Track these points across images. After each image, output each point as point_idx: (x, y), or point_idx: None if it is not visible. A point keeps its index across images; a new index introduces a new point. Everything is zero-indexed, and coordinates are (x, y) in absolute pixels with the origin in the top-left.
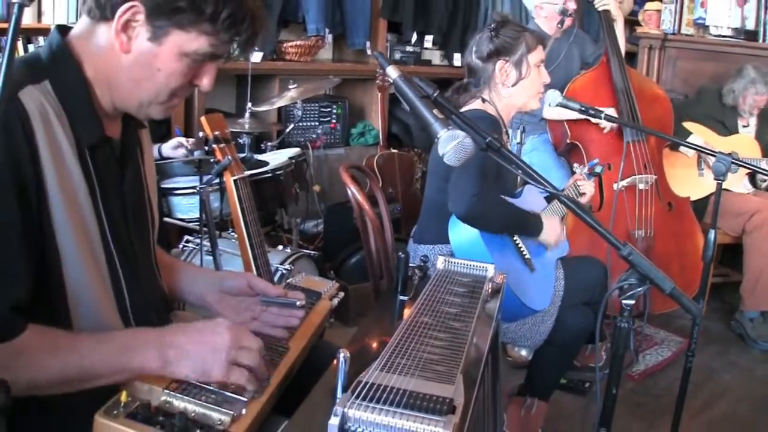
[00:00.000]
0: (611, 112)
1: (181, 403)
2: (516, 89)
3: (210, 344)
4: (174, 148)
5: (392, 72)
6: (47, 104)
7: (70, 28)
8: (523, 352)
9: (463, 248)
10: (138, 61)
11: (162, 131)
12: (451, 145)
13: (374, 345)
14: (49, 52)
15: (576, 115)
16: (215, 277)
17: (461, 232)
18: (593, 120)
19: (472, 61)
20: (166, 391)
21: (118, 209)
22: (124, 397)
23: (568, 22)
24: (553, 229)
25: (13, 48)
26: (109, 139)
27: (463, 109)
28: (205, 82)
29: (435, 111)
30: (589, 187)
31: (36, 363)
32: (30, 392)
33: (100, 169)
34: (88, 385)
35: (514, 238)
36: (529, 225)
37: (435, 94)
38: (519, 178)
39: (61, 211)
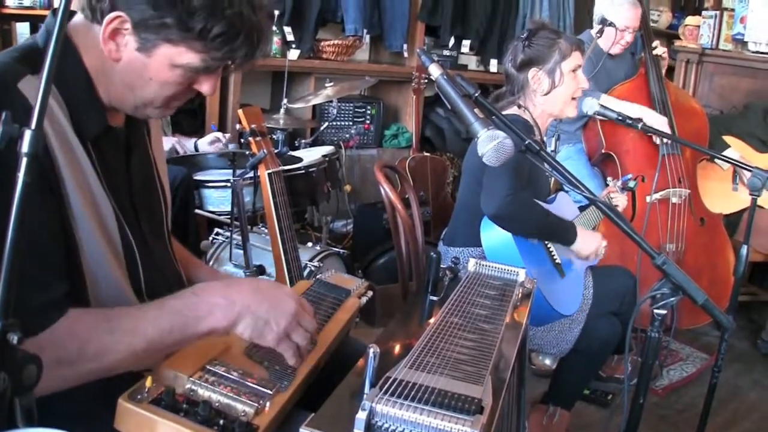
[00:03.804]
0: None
1: (205, 392)
2: (550, 97)
3: (275, 309)
4: (211, 143)
5: (435, 70)
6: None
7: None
8: (547, 361)
9: (495, 249)
10: (129, 69)
11: (196, 125)
12: (491, 144)
13: (402, 344)
14: (47, 39)
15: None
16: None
17: (494, 234)
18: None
19: (508, 69)
20: (191, 379)
21: (125, 192)
22: (149, 382)
23: (611, 45)
24: (590, 242)
25: (61, 32)
26: (111, 129)
27: None
28: (205, 88)
29: (476, 110)
30: (621, 200)
31: (97, 348)
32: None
33: (105, 156)
34: (159, 356)
35: (546, 243)
36: (562, 232)
37: (476, 94)
38: (552, 184)
39: (77, 198)
